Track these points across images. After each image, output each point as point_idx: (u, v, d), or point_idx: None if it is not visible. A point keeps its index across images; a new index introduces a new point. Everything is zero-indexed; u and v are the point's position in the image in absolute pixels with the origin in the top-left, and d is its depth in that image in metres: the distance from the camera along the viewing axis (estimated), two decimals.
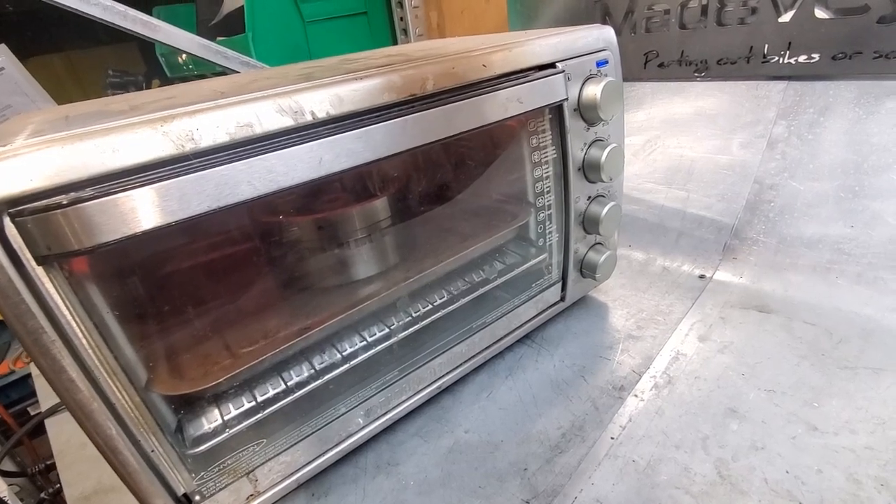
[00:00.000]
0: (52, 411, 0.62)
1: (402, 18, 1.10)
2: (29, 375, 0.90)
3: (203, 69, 1.13)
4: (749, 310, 0.58)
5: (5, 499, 0.78)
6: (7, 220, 0.25)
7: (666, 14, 0.80)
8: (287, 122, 0.32)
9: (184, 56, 1.13)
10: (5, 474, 0.77)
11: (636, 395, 0.49)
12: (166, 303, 0.36)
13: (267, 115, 0.31)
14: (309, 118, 0.33)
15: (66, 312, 0.28)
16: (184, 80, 1.30)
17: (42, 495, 0.69)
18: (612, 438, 0.45)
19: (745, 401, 0.46)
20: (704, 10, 0.76)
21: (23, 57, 1.16)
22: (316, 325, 0.42)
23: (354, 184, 0.46)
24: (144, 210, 0.26)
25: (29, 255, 0.26)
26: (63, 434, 0.58)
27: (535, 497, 0.41)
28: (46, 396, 0.65)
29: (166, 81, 1.48)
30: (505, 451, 0.45)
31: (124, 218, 0.26)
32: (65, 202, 0.25)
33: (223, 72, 1.08)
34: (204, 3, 1.11)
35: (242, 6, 0.99)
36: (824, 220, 0.63)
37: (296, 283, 0.46)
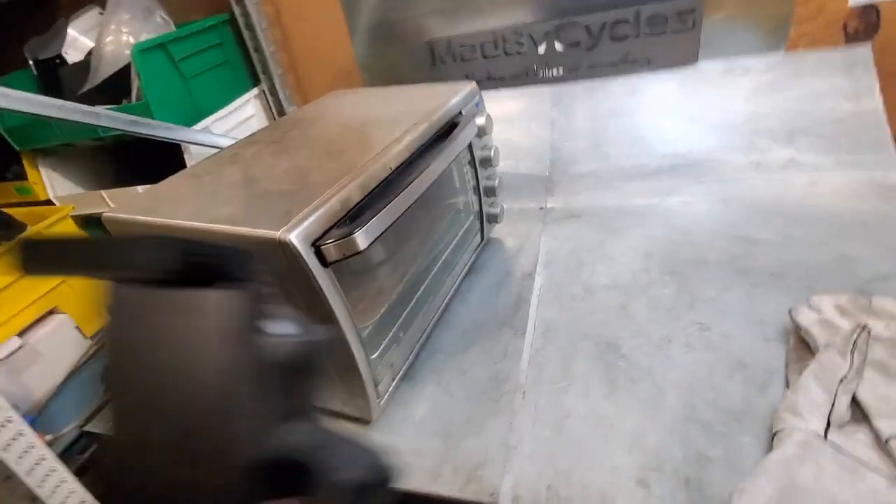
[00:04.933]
0: None
1: (261, 61, 1.32)
2: None
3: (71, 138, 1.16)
4: (570, 218, 1.07)
5: None
6: (311, 250, 0.53)
7: (472, 49, 1.24)
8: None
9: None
10: None
11: (539, 275, 0.93)
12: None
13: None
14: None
15: (332, 290, 0.56)
16: (43, 151, 1.26)
17: None
18: (537, 296, 0.88)
19: (585, 258, 0.94)
20: (496, 45, 1.21)
21: None
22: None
23: None
24: (375, 230, 0.56)
25: (319, 264, 0.54)
26: None
27: (511, 324, 0.81)
28: None
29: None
30: (487, 317, 0.84)
31: (368, 237, 0.55)
32: (342, 236, 0.54)
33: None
34: (68, 73, 1.13)
35: (117, 72, 1.09)
36: (587, 161, 1.16)
37: None
